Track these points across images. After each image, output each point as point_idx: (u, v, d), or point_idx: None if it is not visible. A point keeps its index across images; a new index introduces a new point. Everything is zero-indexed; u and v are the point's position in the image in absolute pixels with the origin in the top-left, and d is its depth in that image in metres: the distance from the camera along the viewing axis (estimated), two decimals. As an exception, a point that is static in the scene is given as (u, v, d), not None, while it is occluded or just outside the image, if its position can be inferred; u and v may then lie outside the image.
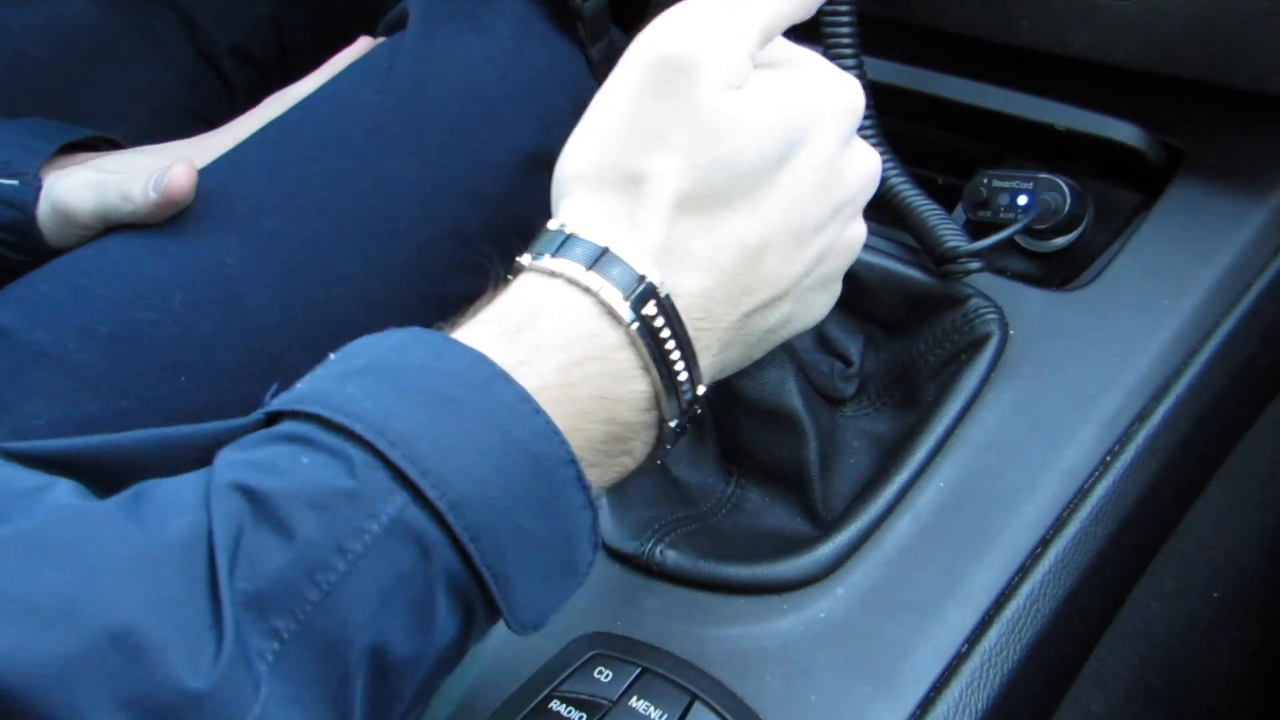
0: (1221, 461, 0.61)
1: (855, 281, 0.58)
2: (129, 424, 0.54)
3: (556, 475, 0.32)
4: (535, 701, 0.41)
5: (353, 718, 0.30)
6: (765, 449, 0.50)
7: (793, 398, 0.49)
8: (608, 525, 0.48)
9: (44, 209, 0.59)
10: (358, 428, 0.30)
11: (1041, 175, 0.54)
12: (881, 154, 0.55)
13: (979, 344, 0.52)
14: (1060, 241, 0.59)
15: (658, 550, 0.47)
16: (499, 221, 0.63)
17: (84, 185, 0.59)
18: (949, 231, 0.52)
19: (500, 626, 0.33)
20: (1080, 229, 0.58)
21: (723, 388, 0.49)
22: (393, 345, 0.34)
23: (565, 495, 0.33)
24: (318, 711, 0.29)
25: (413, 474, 0.30)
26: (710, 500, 0.52)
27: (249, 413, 0.35)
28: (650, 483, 0.51)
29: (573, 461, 0.33)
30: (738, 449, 0.52)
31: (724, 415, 0.52)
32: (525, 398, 0.32)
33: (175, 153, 0.62)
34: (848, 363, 0.58)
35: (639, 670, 0.42)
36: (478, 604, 0.32)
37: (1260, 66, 0.49)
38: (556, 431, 0.33)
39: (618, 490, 0.48)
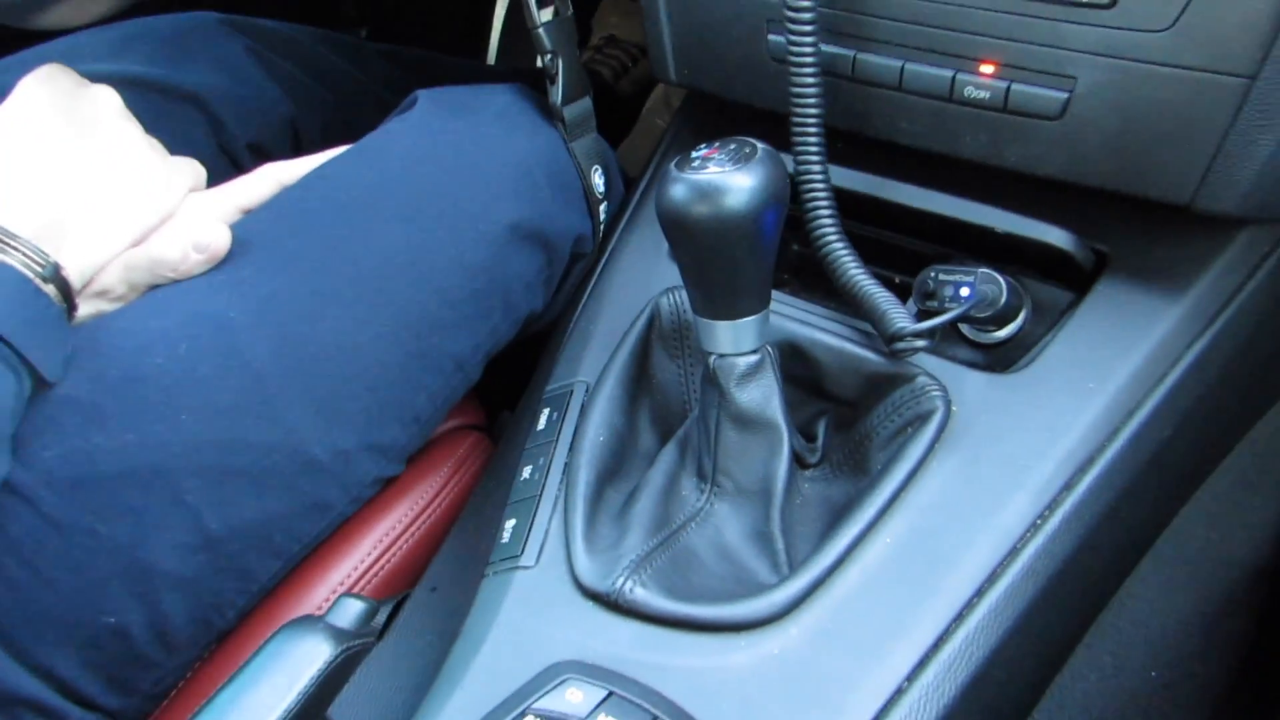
0: (1152, 539, 0.66)
1: (817, 365, 0.64)
2: (131, 456, 0.58)
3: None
4: (510, 718, 0.45)
5: None
6: (743, 459, 0.56)
7: (775, 411, 0.55)
8: (582, 563, 0.52)
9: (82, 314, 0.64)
10: None
11: (981, 270, 0.60)
12: (842, 250, 0.62)
13: (925, 418, 0.57)
14: (1002, 334, 0.65)
15: (627, 587, 0.51)
16: (481, 285, 0.69)
17: (117, 282, 0.65)
18: (898, 315, 0.58)
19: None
20: (1020, 323, 0.65)
21: (717, 404, 0.55)
22: None
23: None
24: None
25: None
26: (684, 514, 0.57)
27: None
28: (630, 509, 0.55)
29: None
30: (716, 466, 0.57)
31: (713, 430, 0.57)
32: None
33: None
34: (811, 439, 0.64)
35: (607, 693, 0.46)
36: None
37: (1169, 180, 0.57)
38: None
39: (591, 529, 0.53)
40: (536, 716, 0.44)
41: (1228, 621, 0.76)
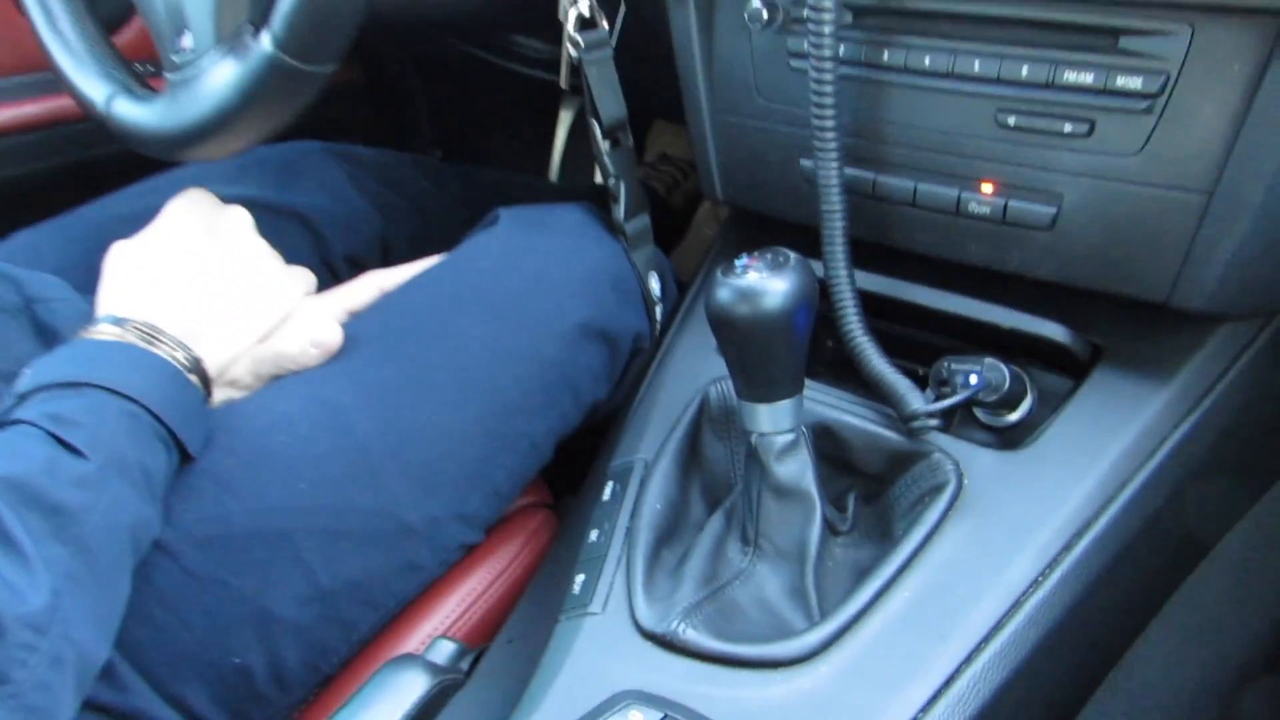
0: (1157, 603, 0.73)
1: (846, 444, 0.73)
2: (258, 519, 0.69)
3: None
4: (579, 737, 0.53)
5: None
6: (781, 526, 0.64)
7: (809, 484, 0.64)
8: (642, 610, 0.61)
9: (216, 399, 0.76)
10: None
11: (987, 359, 0.69)
12: (866, 344, 0.71)
13: (940, 489, 0.66)
14: (1012, 418, 0.73)
15: (681, 629, 0.60)
16: (554, 377, 0.80)
17: (246, 374, 0.77)
18: (914, 398, 0.67)
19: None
20: (1028, 408, 0.73)
21: (759, 477, 0.64)
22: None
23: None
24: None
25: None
26: (729, 572, 0.65)
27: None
28: (683, 566, 0.64)
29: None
30: (758, 531, 0.65)
31: (755, 500, 0.65)
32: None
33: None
34: (842, 509, 0.72)
35: (662, 715, 0.54)
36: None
37: (1148, 281, 0.65)
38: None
39: (649, 582, 0.62)
40: (604, 734, 0.53)
41: (1245, 694, 0.81)
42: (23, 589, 0.54)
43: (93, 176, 1.09)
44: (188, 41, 0.76)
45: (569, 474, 0.91)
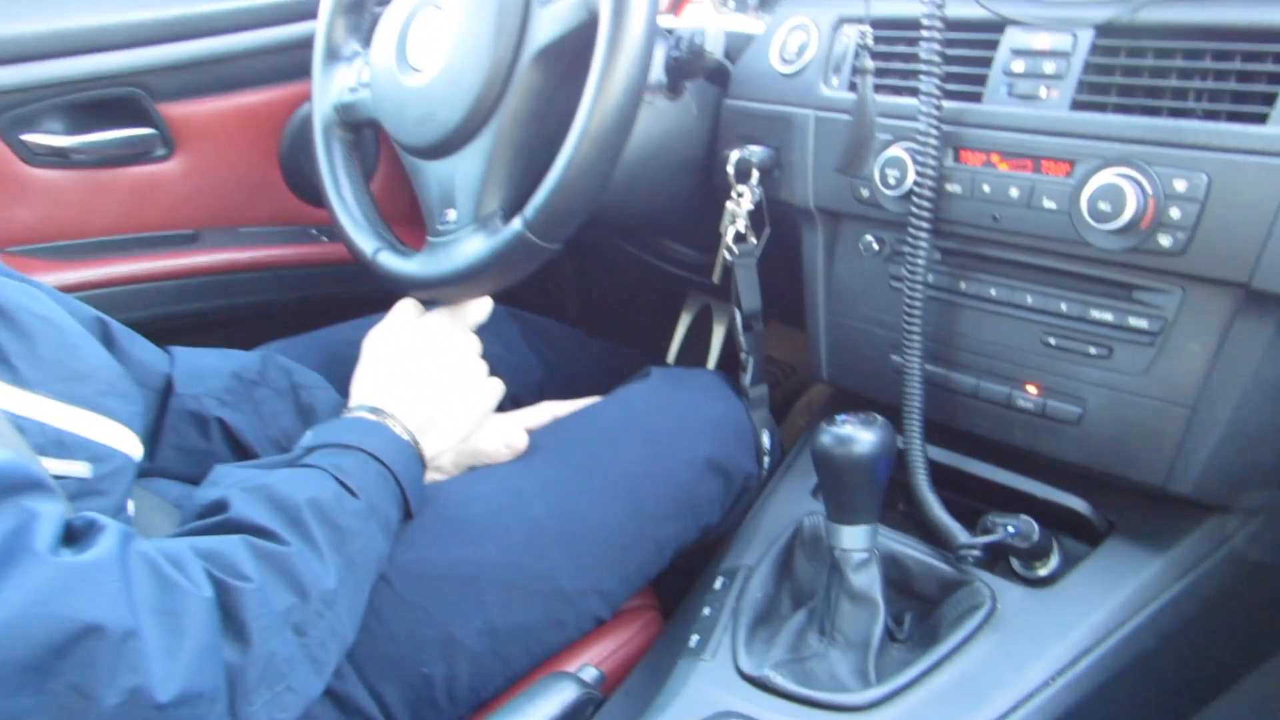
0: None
1: (908, 570, 0.94)
2: (456, 565, 0.91)
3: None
4: (692, 730, 0.73)
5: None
6: (852, 622, 0.84)
7: (877, 593, 0.84)
8: (743, 659, 0.82)
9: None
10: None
11: (1023, 517, 0.90)
12: (932, 500, 0.93)
13: (977, 608, 0.86)
14: (1043, 572, 0.93)
15: (771, 674, 0.80)
16: (683, 497, 1.03)
17: (449, 464, 1.02)
18: (963, 536, 0.88)
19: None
20: (1055, 565, 0.93)
21: (838, 583, 0.84)
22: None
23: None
24: None
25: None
26: (807, 651, 0.85)
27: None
28: (773, 641, 0.85)
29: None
30: (834, 625, 0.85)
31: (833, 601, 0.86)
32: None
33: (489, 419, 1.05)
34: (900, 623, 0.92)
35: (754, 726, 0.74)
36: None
37: (1149, 470, 0.87)
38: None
39: (749, 643, 0.82)
40: (709, 727, 0.73)
41: None
42: (320, 573, 0.77)
43: (325, 308, 1.38)
44: (451, 216, 1.05)
45: (675, 590, 1.12)
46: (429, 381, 1.02)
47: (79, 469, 0.73)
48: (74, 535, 0.64)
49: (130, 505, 0.81)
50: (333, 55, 1.19)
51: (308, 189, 1.51)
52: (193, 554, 0.69)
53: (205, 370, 1.03)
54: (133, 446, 0.79)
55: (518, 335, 1.34)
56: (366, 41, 1.20)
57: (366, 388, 1.01)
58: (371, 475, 0.87)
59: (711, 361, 1.58)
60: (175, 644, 0.62)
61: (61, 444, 0.72)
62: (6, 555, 0.58)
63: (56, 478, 0.68)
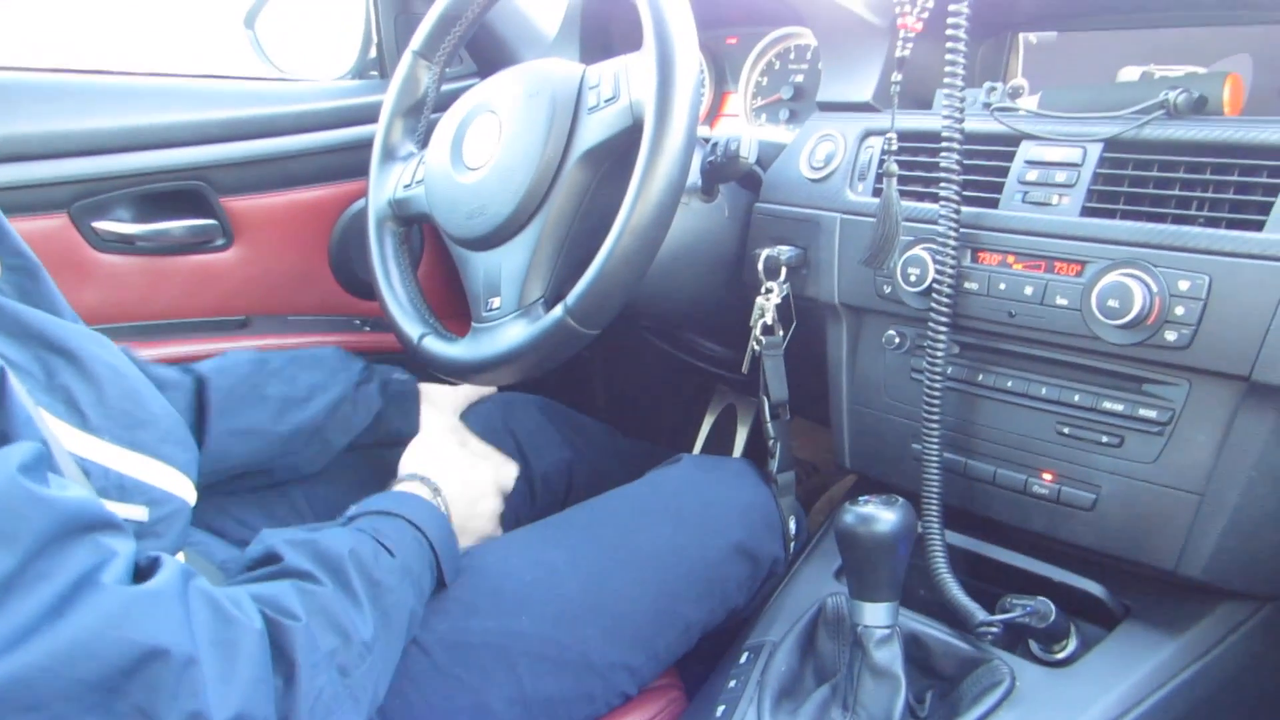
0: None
1: (929, 649, 0.96)
2: (489, 636, 0.94)
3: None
4: None
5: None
6: (874, 698, 0.87)
7: (898, 669, 0.87)
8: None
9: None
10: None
11: (1040, 598, 0.93)
12: (951, 582, 0.96)
13: (997, 685, 0.89)
14: (1060, 655, 0.96)
15: (798, 742, 0.82)
16: (712, 577, 1.06)
17: (490, 518, 1.07)
18: (981, 615, 0.91)
19: None
20: (1073, 648, 0.96)
21: (860, 659, 0.87)
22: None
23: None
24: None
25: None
26: None
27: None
28: (797, 713, 0.87)
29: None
30: (856, 700, 0.88)
31: (856, 676, 0.88)
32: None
33: None
34: (921, 701, 0.95)
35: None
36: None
37: (1162, 555, 0.90)
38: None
39: (773, 710, 0.85)
40: None
41: None
42: (358, 621, 0.80)
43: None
44: (495, 303, 1.12)
45: (699, 674, 1.15)
46: (467, 468, 1.08)
47: (137, 513, 0.78)
48: (140, 571, 0.68)
49: (181, 556, 0.86)
50: (389, 155, 1.28)
51: (354, 281, 1.60)
52: (246, 594, 0.73)
53: None
54: (188, 491, 0.84)
55: (546, 422, 1.39)
56: (421, 143, 1.29)
57: (414, 460, 1.06)
58: (408, 539, 0.92)
59: (737, 454, 1.63)
60: (230, 672, 0.66)
61: (122, 488, 0.77)
62: (83, 586, 0.62)
63: None
